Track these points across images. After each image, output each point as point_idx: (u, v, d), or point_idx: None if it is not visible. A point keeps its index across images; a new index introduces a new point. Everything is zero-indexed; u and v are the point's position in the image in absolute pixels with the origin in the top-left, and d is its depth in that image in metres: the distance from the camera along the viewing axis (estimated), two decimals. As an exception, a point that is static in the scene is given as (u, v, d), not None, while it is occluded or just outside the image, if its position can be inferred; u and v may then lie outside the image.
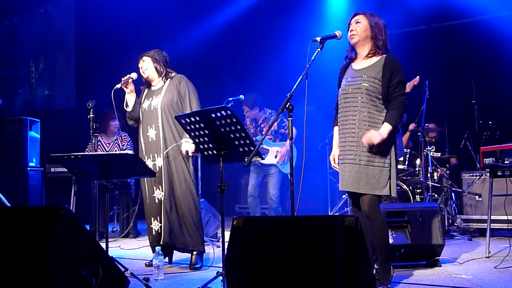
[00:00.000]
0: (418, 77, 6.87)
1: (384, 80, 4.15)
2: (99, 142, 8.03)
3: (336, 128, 4.51)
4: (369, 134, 4.07)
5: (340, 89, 4.40)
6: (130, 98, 5.53)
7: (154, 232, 5.36)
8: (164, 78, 5.48)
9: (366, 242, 4.01)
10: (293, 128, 7.41)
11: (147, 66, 5.47)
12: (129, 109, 5.52)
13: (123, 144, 8.10)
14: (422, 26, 10.09)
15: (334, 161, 4.49)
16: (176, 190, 5.26)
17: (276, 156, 7.42)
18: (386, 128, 4.09)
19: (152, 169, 5.23)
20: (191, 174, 5.33)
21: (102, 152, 7.60)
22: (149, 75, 5.48)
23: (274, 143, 7.53)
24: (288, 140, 7.42)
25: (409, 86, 6.87)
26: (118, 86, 5.38)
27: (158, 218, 5.33)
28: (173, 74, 5.51)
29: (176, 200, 5.27)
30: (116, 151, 7.83)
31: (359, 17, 4.29)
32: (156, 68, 5.47)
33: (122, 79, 5.40)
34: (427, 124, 7.72)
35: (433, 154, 7.83)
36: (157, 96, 5.41)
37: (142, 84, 5.65)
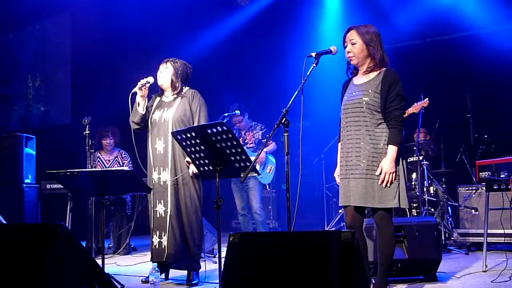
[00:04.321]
0: (427, 99, 6.86)
1: (382, 93, 4.16)
2: (98, 159, 8.04)
3: (340, 145, 4.50)
4: (382, 167, 4.09)
5: (342, 105, 4.40)
6: (142, 102, 5.37)
7: (153, 246, 5.29)
8: (175, 93, 5.40)
9: (363, 257, 4.01)
10: (273, 142, 7.53)
11: (165, 74, 5.39)
12: (143, 111, 5.36)
13: (123, 162, 8.10)
14: (417, 41, 10.16)
15: (339, 177, 4.46)
16: (182, 208, 5.19)
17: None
18: (392, 150, 4.10)
19: (156, 182, 5.23)
20: (197, 193, 5.26)
21: (100, 169, 7.58)
22: (163, 84, 5.41)
23: (254, 153, 7.52)
24: (267, 147, 7.51)
25: (417, 107, 6.87)
26: (136, 89, 5.27)
27: (158, 232, 5.24)
28: (185, 89, 5.44)
29: (182, 218, 5.19)
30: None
31: (353, 36, 4.28)
32: (172, 80, 5.39)
33: (140, 82, 5.29)
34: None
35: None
36: (169, 108, 5.32)
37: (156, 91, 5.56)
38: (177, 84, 5.40)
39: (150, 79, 5.34)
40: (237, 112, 7.37)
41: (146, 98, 5.41)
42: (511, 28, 8.88)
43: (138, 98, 5.34)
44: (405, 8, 9.45)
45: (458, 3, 9.15)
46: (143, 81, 5.30)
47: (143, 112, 5.36)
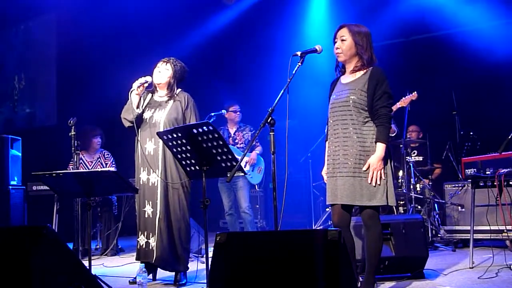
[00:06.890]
0: (415, 92, 6.88)
1: (369, 91, 4.16)
2: (81, 160, 7.92)
3: (327, 143, 4.49)
4: (370, 164, 4.09)
5: (329, 104, 4.41)
6: (137, 99, 5.24)
7: (139, 246, 5.26)
8: (169, 94, 5.36)
9: (350, 256, 4.02)
10: (260, 146, 7.61)
11: (164, 74, 5.32)
12: (139, 110, 5.25)
13: (106, 163, 8.05)
14: (402, 39, 10.20)
15: (326, 175, 4.46)
16: (171, 211, 5.16)
17: (245, 166, 7.42)
18: (381, 148, 4.11)
19: (145, 183, 5.20)
20: (186, 196, 5.23)
21: (84, 170, 7.53)
22: (160, 84, 5.33)
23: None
24: (257, 148, 7.57)
25: (405, 101, 6.89)
26: (134, 87, 5.17)
27: (145, 232, 5.20)
28: (178, 91, 5.40)
29: (171, 221, 5.16)
30: (99, 169, 7.72)
31: (344, 32, 4.29)
32: (170, 82, 5.34)
33: (138, 80, 5.18)
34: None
35: (415, 158, 7.85)
36: (161, 110, 5.28)
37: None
38: (173, 87, 5.36)
39: (149, 79, 5.25)
40: (223, 111, 7.37)
41: (141, 97, 5.33)
42: (495, 25, 8.93)
43: (134, 97, 5.23)
44: (388, 7, 9.49)
45: (442, 1, 9.19)
46: (142, 80, 5.20)
47: (140, 111, 5.27)
